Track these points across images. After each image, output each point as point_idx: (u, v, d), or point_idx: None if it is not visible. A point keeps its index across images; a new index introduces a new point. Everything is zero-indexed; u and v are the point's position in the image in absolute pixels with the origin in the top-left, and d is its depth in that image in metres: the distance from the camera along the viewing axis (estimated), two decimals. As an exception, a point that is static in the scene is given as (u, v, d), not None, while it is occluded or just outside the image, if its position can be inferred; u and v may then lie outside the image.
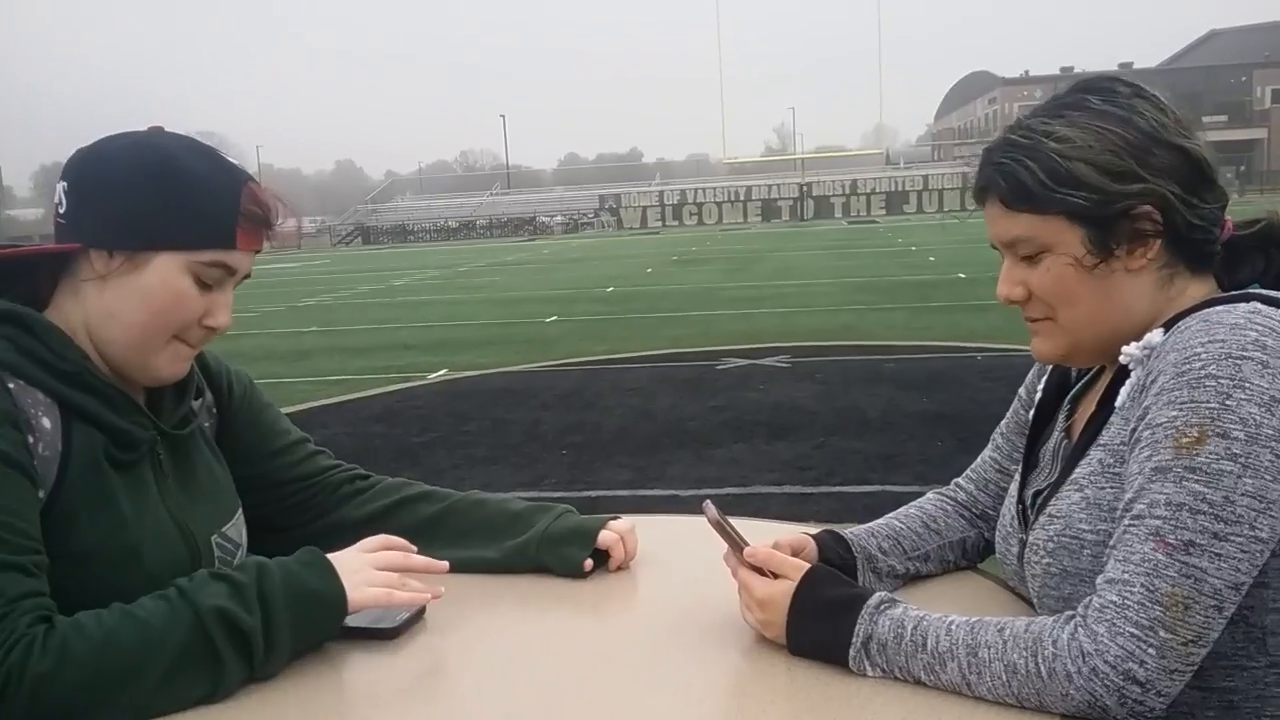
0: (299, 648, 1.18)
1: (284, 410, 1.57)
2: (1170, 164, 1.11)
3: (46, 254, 1.23)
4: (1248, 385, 1.01)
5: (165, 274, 1.21)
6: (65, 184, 1.23)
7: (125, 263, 1.20)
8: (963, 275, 16.37)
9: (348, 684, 1.18)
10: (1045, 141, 1.12)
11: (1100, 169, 1.10)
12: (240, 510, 1.41)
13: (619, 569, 1.47)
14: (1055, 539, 1.16)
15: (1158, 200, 1.11)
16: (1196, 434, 1.01)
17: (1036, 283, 1.17)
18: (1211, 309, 1.08)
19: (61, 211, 1.22)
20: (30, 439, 1.14)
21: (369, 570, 1.25)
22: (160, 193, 1.20)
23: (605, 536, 1.46)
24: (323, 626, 1.20)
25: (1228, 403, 1.01)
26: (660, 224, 57.77)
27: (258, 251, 1.28)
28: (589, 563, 1.44)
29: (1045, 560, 1.17)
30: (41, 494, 1.15)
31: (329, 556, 1.24)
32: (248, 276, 1.29)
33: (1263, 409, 1.00)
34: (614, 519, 1.50)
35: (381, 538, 1.32)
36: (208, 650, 1.10)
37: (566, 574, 1.44)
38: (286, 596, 1.16)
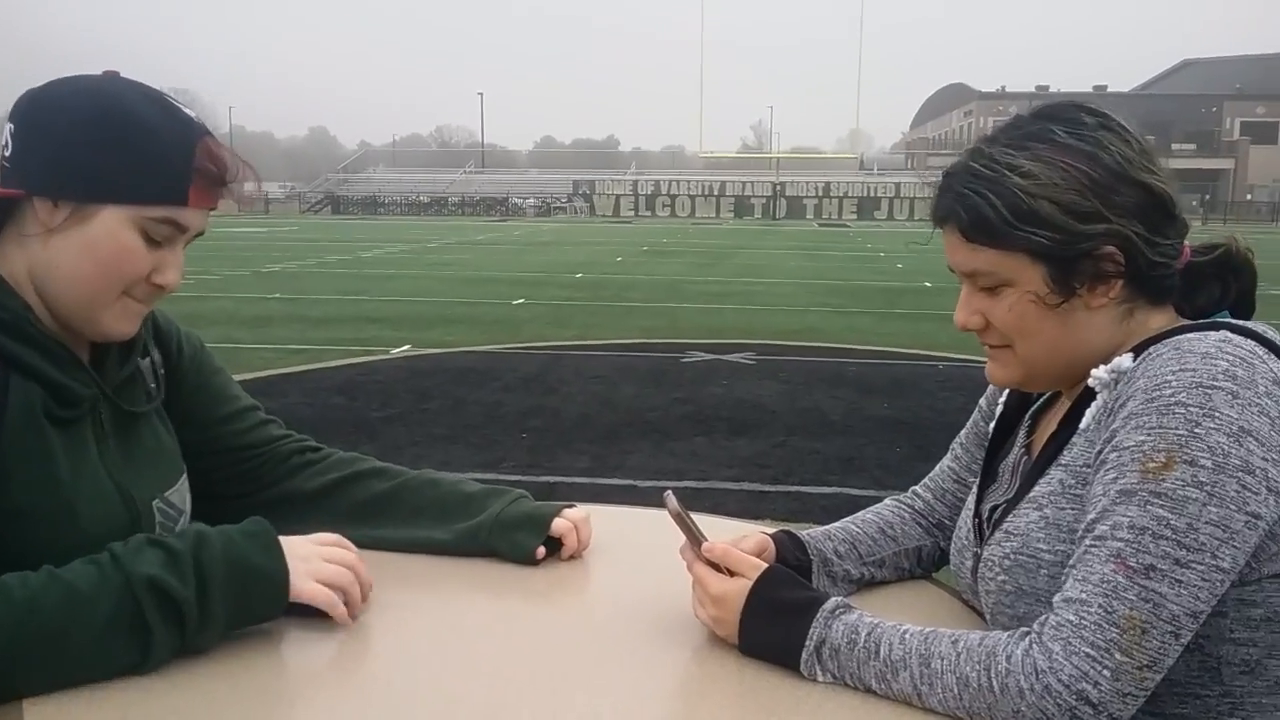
0: (235, 623, 1.14)
1: (242, 377, 1.53)
2: (1134, 202, 1.10)
3: None
4: (1217, 414, 1.00)
5: (112, 228, 1.16)
6: (12, 126, 1.17)
7: (71, 215, 1.15)
8: (929, 284, 16.49)
9: (284, 661, 1.14)
10: (1009, 176, 1.10)
11: (1064, 208, 1.09)
12: (185, 476, 1.37)
13: (571, 558, 1.44)
14: (1011, 556, 1.15)
15: (1121, 241, 1.10)
16: (1164, 459, 1.00)
17: (997, 315, 1.16)
18: (1183, 336, 1.07)
19: (6, 155, 1.17)
20: None
21: (318, 562, 1.20)
22: (110, 143, 1.14)
23: (559, 524, 1.43)
24: (262, 604, 1.15)
25: (1196, 430, 1.00)
26: (633, 213, 57.71)
27: (212, 209, 1.23)
28: (541, 550, 1.41)
29: (1000, 577, 1.16)
30: None
31: (279, 538, 1.19)
32: (201, 234, 1.24)
33: (1231, 439, 0.99)
34: (568, 507, 1.47)
35: (336, 538, 1.27)
36: (137, 619, 1.05)
37: (518, 560, 1.42)
38: (225, 568, 1.12)
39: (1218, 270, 1.20)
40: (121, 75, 1.22)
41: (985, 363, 1.24)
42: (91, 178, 1.14)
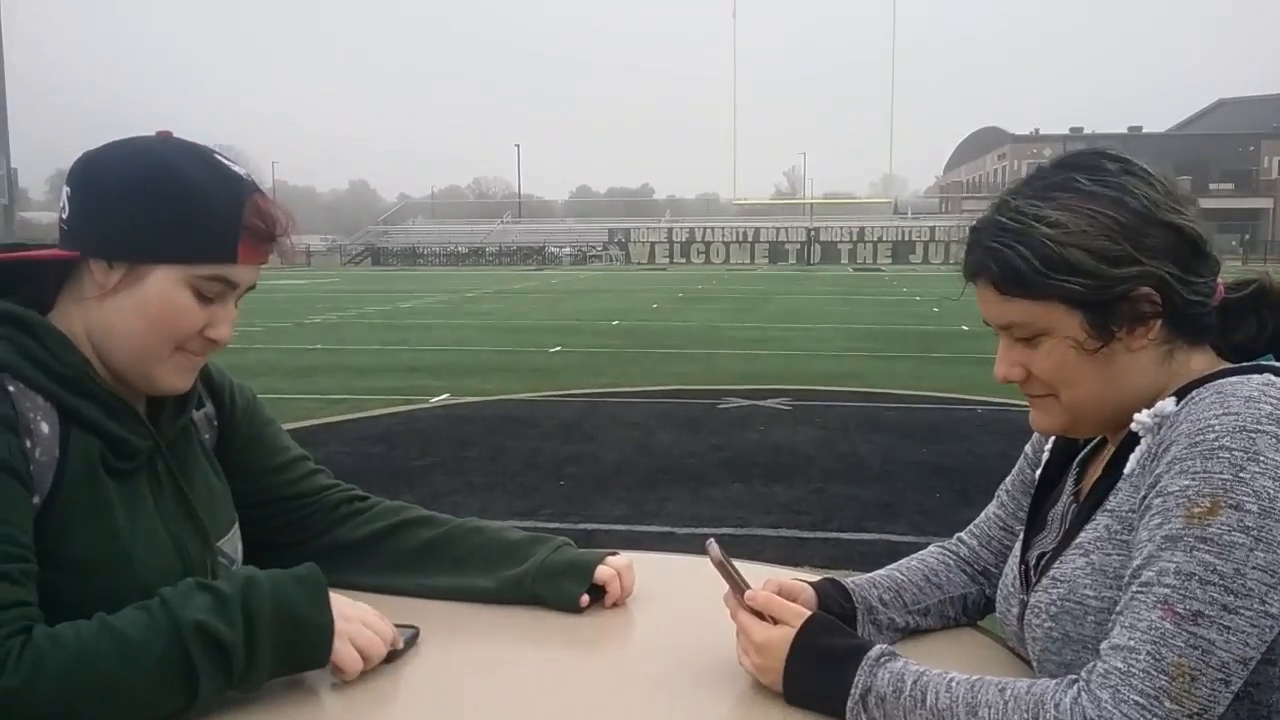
0: (280, 669, 1.15)
1: (285, 427, 1.56)
2: (1165, 243, 1.10)
3: (47, 259, 1.22)
4: (1262, 459, 1.00)
5: (164, 287, 1.19)
6: (69, 189, 1.21)
7: (125, 276, 1.19)
8: (965, 328, 16.37)
9: (329, 709, 1.16)
10: (1037, 226, 1.10)
11: (1095, 254, 1.09)
12: (236, 525, 1.40)
13: (614, 605, 1.45)
14: (1058, 603, 1.15)
15: (1155, 282, 1.10)
16: (1209, 504, 1.00)
17: (1037, 365, 1.16)
18: (1225, 380, 1.07)
19: (64, 217, 1.21)
20: (27, 443, 1.13)
21: (359, 625, 1.21)
22: (160, 205, 1.18)
23: (602, 572, 1.44)
24: (306, 652, 1.17)
25: (1241, 475, 1.00)
26: (668, 260, 57.98)
27: (262, 264, 1.26)
28: (585, 599, 1.43)
29: (1047, 624, 1.16)
30: (36, 500, 1.13)
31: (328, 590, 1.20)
32: (252, 288, 1.28)
33: (1276, 483, 0.99)
34: (612, 554, 1.48)
35: (382, 622, 1.26)
36: (185, 665, 1.07)
37: (562, 608, 1.43)
38: (273, 612, 1.13)
39: (1253, 305, 1.20)
40: (174, 135, 1.25)
41: (1024, 406, 1.24)
42: (142, 239, 1.18)
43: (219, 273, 1.21)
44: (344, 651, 1.18)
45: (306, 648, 1.16)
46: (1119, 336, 1.12)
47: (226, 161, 1.24)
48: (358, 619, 1.22)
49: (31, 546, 1.10)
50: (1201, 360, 1.16)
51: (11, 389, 1.14)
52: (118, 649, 1.05)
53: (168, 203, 1.18)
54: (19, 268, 1.22)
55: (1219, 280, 1.17)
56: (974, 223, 1.19)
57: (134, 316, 1.20)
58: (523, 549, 1.49)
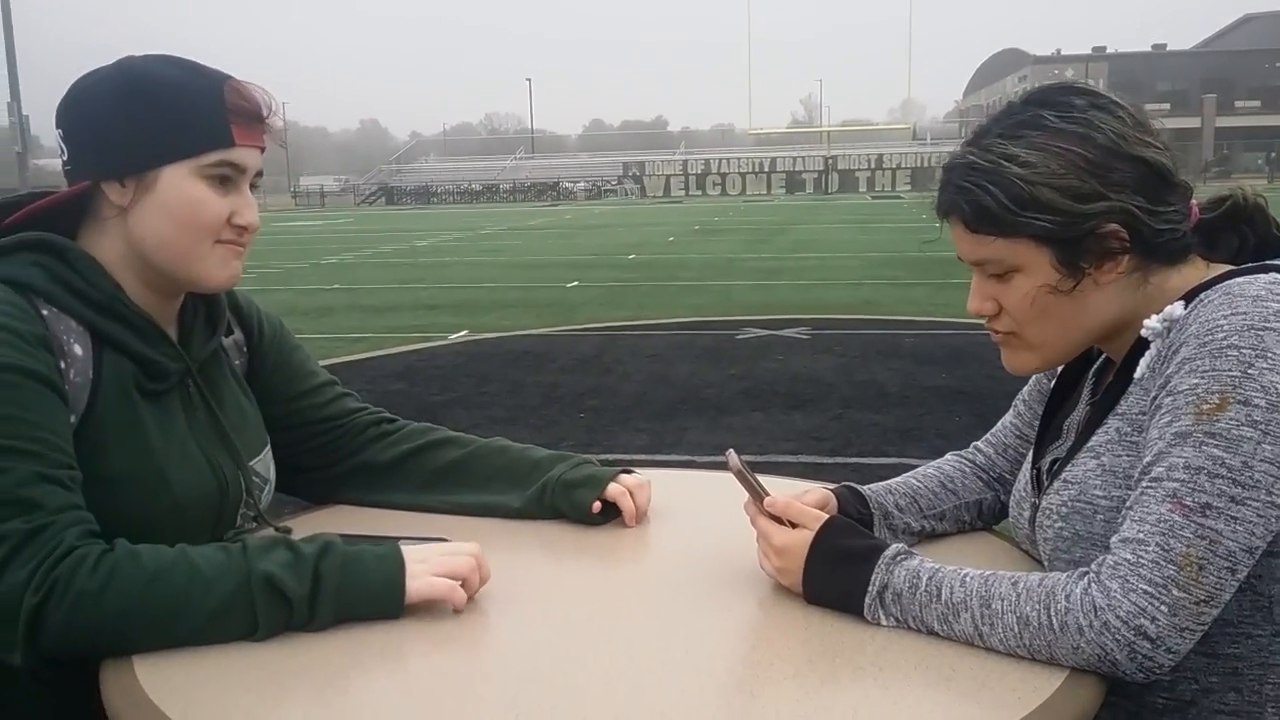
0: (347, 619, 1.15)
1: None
2: (1133, 176, 1.11)
3: (63, 200, 1.24)
4: (1269, 355, 1.02)
5: (177, 185, 1.22)
6: (60, 131, 1.25)
7: (138, 187, 1.22)
8: (987, 253, 16.24)
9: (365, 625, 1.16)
10: (1006, 165, 1.12)
11: (1063, 192, 1.10)
12: (269, 447, 1.44)
13: (631, 524, 1.47)
14: (1069, 504, 1.17)
15: (1123, 217, 1.11)
16: (1218, 401, 1.02)
17: (1008, 300, 1.18)
18: (1232, 281, 1.09)
19: (65, 159, 1.25)
20: (62, 364, 1.17)
21: (436, 559, 1.19)
22: (147, 110, 1.21)
23: (612, 489, 1.46)
24: (373, 611, 1.15)
25: (1250, 371, 1.02)
26: (684, 193, 57.56)
27: (261, 148, 1.28)
28: (597, 505, 1.45)
29: (1058, 524, 1.19)
30: (73, 418, 1.17)
31: (403, 548, 1.20)
32: (260, 174, 1.30)
33: None
34: (626, 472, 1.51)
35: (456, 545, 1.25)
36: (248, 608, 1.10)
37: (578, 519, 1.47)
38: (340, 577, 1.14)
39: (1230, 222, 1.21)
40: (133, 55, 1.28)
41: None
42: (141, 146, 1.21)
43: (222, 157, 1.24)
44: (425, 583, 1.16)
45: (372, 607, 1.15)
46: (1088, 272, 1.14)
47: (193, 61, 1.27)
48: (434, 555, 1.20)
49: (74, 457, 1.15)
50: (1186, 274, 1.17)
51: (45, 312, 1.18)
52: (189, 579, 1.09)
53: (154, 106, 1.21)
54: (39, 217, 1.24)
55: (1193, 203, 1.18)
56: (945, 161, 1.20)
57: (161, 222, 1.23)
58: (544, 466, 1.53)
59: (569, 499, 1.47)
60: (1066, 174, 1.10)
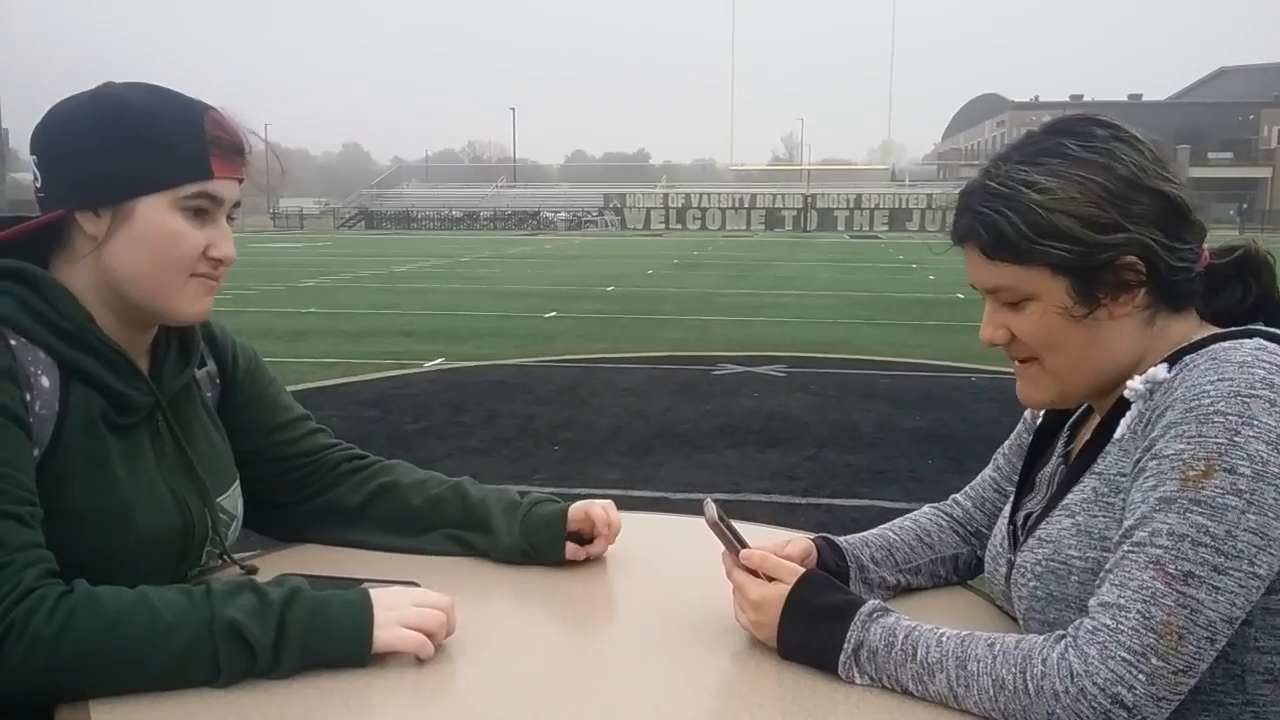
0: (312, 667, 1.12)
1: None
2: (1152, 209, 1.11)
3: (36, 227, 1.22)
4: (1255, 423, 1.01)
5: (153, 217, 1.20)
6: (35, 157, 1.23)
7: (113, 219, 1.20)
8: (961, 295, 16.38)
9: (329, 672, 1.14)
10: (1026, 192, 1.11)
11: (1083, 221, 1.10)
12: (238, 482, 1.41)
13: (596, 548, 1.46)
14: (1043, 563, 1.17)
15: (1141, 249, 1.11)
16: (1204, 468, 1.02)
17: (1021, 328, 1.17)
18: (1218, 346, 1.09)
19: (39, 186, 1.23)
20: (28, 396, 1.15)
21: (406, 608, 1.16)
22: (125, 140, 1.19)
23: (573, 514, 1.46)
24: (338, 660, 1.13)
25: (1235, 439, 1.01)
26: (664, 226, 57.78)
27: (239, 180, 1.26)
28: (571, 547, 1.45)
29: (1032, 584, 1.18)
30: (36, 452, 1.15)
31: (373, 593, 1.17)
32: (238, 205, 1.28)
33: (1269, 447, 1.01)
34: (580, 501, 1.49)
35: (427, 594, 1.22)
36: (209, 655, 1.07)
37: (551, 562, 1.45)
38: (306, 624, 1.11)
39: (1238, 272, 1.21)
40: (114, 82, 1.26)
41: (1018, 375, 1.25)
42: (118, 177, 1.19)
43: (200, 189, 1.22)
44: (395, 634, 1.14)
45: (338, 655, 1.12)
46: (1103, 303, 1.13)
47: (174, 90, 1.25)
48: (405, 603, 1.17)
49: (36, 493, 1.12)
50: (1184, 326, 1.17)
51: (13, 342, 1.16)
52: (149, 624, 1.06)
53: (131, 136, 1.19)
54: (9, 244, 1.21)
55: (1204, 246, 1.18)
56: (963, 187, 1.20)
57: (136, 254, 1.21)
58: (514, 509, 1.51)
59: (534, 542, 1.45)
60: (1086, 203, 1.10)
